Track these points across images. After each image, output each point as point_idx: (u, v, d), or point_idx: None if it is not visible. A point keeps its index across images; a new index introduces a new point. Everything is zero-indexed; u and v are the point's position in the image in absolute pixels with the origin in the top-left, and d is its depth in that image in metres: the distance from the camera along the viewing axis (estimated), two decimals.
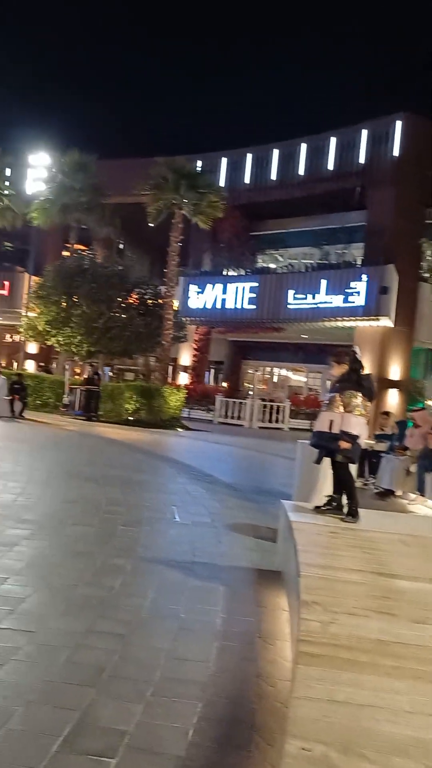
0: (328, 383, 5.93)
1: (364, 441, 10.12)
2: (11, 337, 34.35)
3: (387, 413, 11.91)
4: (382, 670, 2.22)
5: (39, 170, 26.03)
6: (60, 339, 22.12)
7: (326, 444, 5.28)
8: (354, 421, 5.15)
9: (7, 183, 26.97)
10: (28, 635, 3.37)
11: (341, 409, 5.23)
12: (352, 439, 5.15)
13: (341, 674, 2.14)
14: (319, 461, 5.47)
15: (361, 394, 5.24)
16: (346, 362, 5.42)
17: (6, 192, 26.60)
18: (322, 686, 2.03)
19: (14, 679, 2.90)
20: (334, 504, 5.37)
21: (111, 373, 29.87)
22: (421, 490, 8.99)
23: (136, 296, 22.63)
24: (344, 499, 5.33)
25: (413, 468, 9.34)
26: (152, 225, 22.29)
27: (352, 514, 5.16)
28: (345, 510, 5.27)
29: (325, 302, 25.83)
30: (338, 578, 3.29)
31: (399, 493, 9.63)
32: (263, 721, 2.73)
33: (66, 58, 78.03)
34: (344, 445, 5.13)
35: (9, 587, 4.06)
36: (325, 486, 5.79)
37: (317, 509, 5.38)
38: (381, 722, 1.88)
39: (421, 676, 2.21)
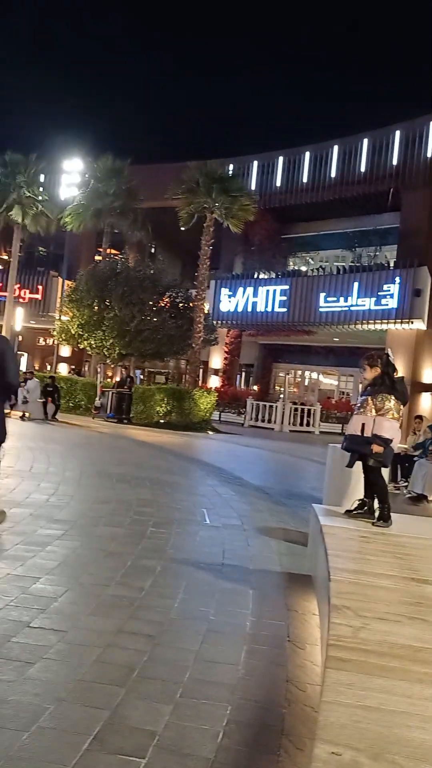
0: (360, 386, 5.78)
1: (397, 445, 10.02)
2: (45, 340, 34.86)
3: (420, 417, 11.76)
4: (414, 677, 2.19)
5: (72, 176, 26.43)
6: (92, 342, 22.35)
7: (358, 448, 5.20)
8: (387, 425, 5.06)
9: (41, 189, 27.38)
10: (59, 634, 3.40)
11: (373, 412, 5.15)
12: (385, 442, 5.06)
13: (372, 680, 2.12)
14: (351, 465, 5.40)
15: (394, 398, 5.16)
16: (378, 365, 5.33)
17: (40, 197, 27.00)
18: (353, 691, 2.01)
19: (46, 677, 2.93)
20: (366, 508, 5.30)
21: (142, 376, 30.08)
22: None
23: (168, 299, 22.76)
24: (375, 503, 5.27)
25: None
26: (184, 229, 22.41)
27: (384, 519, 5.10)
28: (376, 514, 5.20)
29: (357, 305, 25.66)
30: (369, 583, 3.26)
31: (431, 498, 9.50)
32: (292, 725, 2.71)
33: (100, 64, 78.97)
34: (376, 448, 5.06)
35: (41, 586, 4.10)
36: (357, 490, 5.73)
37: (348, 513, 5.33)
38: (412, 729, 1.85)
39: None
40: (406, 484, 10.31)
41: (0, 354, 4.95)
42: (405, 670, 2.22)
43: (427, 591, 3.28)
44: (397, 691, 2.06)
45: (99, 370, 23.62)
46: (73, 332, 22.80)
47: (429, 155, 25.42)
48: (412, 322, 24.51)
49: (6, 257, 33.10)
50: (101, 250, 27.48)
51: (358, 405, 5.37)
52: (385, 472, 6.66)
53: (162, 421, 19.74)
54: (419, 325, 24.58)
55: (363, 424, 5.15)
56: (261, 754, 2.49)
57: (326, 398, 31.09)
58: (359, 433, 5.16)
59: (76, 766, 2.29)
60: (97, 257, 29.26)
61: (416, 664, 2.28)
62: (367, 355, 5.51)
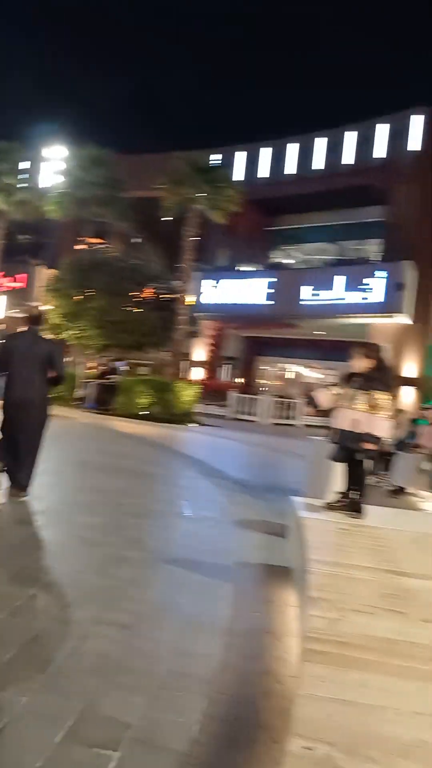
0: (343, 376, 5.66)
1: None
2: None
3: (400, 411, 11.82)
4: (390, 670, 2.18)
5: (56, 163, 26.11)
6: (74, 332, 22.17)
7: (350, 444, 5.11)
8: (382, 424, 5.00)
9: (24, 176, 27.04)
10: (36, 624, 3.36)
11: (365, 407, 5.05)
12: (378, 441, 5.03)
13: (348, 673, 2.10)
14: (339, 459, 5.32)
15: (388, 395, 5.10)
16: (374, 357, 5.21)
17: (23, 185, 26.67)
18: (328, 685, 2.00)
19: (20, 667, 2.89)
20: (345, 501, 5.30)
21: (126, 367, 29.97)
22: None
23: (151, 291, 22.62)
24: (352, 495, 5.25)
25: (426, 466, 9.27)
26: (168, 219, 22.27)
27: (357, 510, 5.09)
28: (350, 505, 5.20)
29: (341, 298, 25.68)
30: (347, 575, 3.25)
31: (411, 490, 9.57)
32: (268, 718, 2.69)
33: (84, 51, 78.14)
34: (369, 446, 5.00)
35: (18, 578, 4.05)
36: (336, 483, 5.74)
37: (328, 506, 5.32)
38: (387, 723, 1.84)
39: (429, 677, 2.16)
40: (386, 475, 10.37)
41: (50, 354, 6.15)
42: (381, 663, 2.21)
43: (404, 583, 3.28)
44: (372, 684, 2.05)
45: (81, 360, 23.44)
46: (55, 322, 22.60)
47: (414, 149, 25.46)
48: (394, 317, 24.59)
49: None
50: (85, 239, 27.24)
51: (346, 396, 5.21)
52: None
53: (144, 412, 19.65)
54: (402, 319, 24.67)
55: (356, 420, 5.03)
56: (236, 748, 2.47)
57: (309, 391, 31.19)
58: (352, 429, 5.03)
59: (49, 759, 2.26)
60: (81, 247, 29.00)
61: (392, 657, 2.27)
62: (365, 344, 5.42)
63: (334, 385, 5.50)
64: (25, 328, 6.38)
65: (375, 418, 4.98)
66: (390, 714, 1.88)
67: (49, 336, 7.56)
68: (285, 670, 3.13)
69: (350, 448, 5.13)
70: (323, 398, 5.42)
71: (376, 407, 5.00)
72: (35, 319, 6.44)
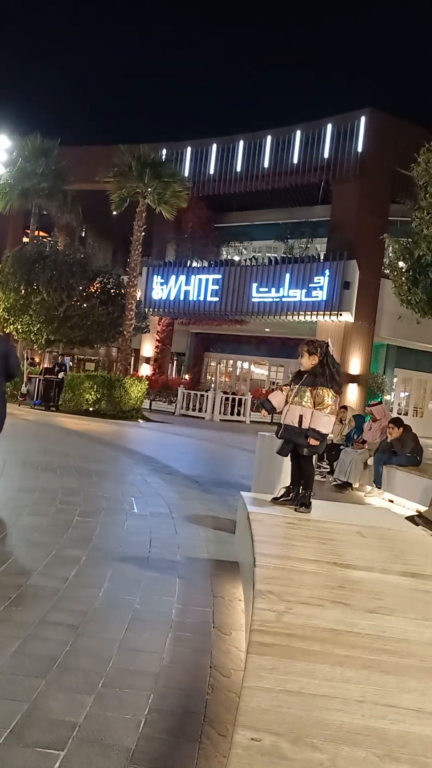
0: (290, 373, 5.72)
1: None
2: None
3: (344, 407, 12.03)
4: (335, 660, 2.22)
5: None
6: (18, 327, 21.73)
7: (294, 438, 5.17)
8: (325, 420, 5.07)
9: None
10: None
11: (310, 403, 5.12)
12: (322, 437, 5.11)
13: (294, 664, 2.13)
14: (285, 453, 5.39)
15: (333, 392, 5.16)
16: (317, 354, 5.22)
17: None
18: (274, 676, 2.02)
19: None
20: (291, 495, 5.36)
21: (71, 363, 29.54)
22: (377, 482, 9.12)
23: (98, 285, 22.35)
24: (300, 490, 5.32)
25: (371, 461, 9.47)
26: (115, 213, 22.04)
27: (306, 505, 5.16)
28: (298, 501, 5.25)
29: (289, 296, 25.98)
30: (294, 568, 3.29)
31: (356, 485, 9.76)
32: (216, 712, 2.71)
33: (30, 39, 76.48)
34: (313, 442, 5.08)
35: None
36: (285, 478, 5.81)
37: (275, 500, 5.38)
38: (332, 712, 1.87)
39: (373, 665, 2.21)
40: (328, 469, 10.55)
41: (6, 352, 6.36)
42: (326, 654, 2.25)
43: (348, 575, 3.35)
44: (318, 674, 2.08)
45: (25, 355, 23.00)
46: None
47: (359, 149, 25.91)
48: (340, 314, 25.02)
49: None
50: (29, 231, 26.70)
51: (293, 393, 5.26)
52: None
53: (91, 409, 19.44)
54: (348, 317, 25.13)
55: (301, 416, 5.10)
56: (183, 742, 2.48)
57: (256, 388, 31.39)
58: (297, 425, 5.11)
59: None
60: (25, 239, 28.41)
61: (337, 647, 2.31)
62: (308, 341, 5.40)
63: (286, 385, 5.50)
64: None
65: (319, 415, 5.05)
66: (335, 703, 1.91)
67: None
68: (233, 663, 3.16)
69: (296, 443, 5.18)
70: (276, 401, 5.42)
71: (320, 404, 5.07)
72: None
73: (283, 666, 2.10)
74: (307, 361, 5.23)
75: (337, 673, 2.11)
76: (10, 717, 2.50)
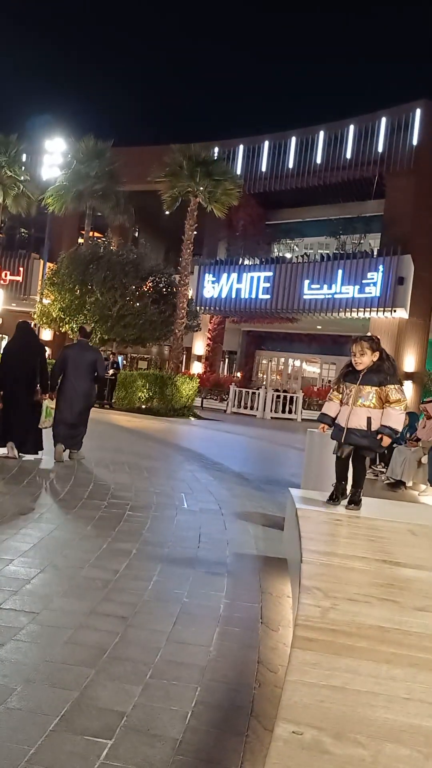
0: (341, 369, 5.27)
1: None
2: None
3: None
4: (381, 657, 2.19)
5: (54, 156, 26.02)
6: (74, 326, 22.16)
7: (360, 441, 4.85)
8: (400, 417, 4.78)
9: (22, 168, 26.98)
10: (30, 615, 3.38)
11: (376, 403, 4.81)
12: (396, 434, 4.83)
13: (338, 660, 2.11)
14: (345, 456, 5.04)
15: (400, 386, 4.86)
16: (379, 350, 4.89)
17: (21, 178, 26.61)
18: (318, 671, 2.01)
19: (15, 659, 2.91)
20: (343, 495, 5.20)
21: (125, 362, 29.94)
22: (431, 481, 8.93)
23: (150, 284, 22.59)
24: (350, 487, 5.18)
25: (424, 459, 9.28)
26: (167, 212, 22.22)
27: (356, 503, 5.01)
28: (348, 498, 5.09)
29: (341, 293, 25.69)
30: (342, 565, 3.27)
31: (410, 484, 9.58)
32: (262, 706, 2.71)
33: (84, 43, 77.82)
34: (387, 440, 4.77)
35: (14, 568, 4.07)
36: (333, 475, 5.76)
37: (329, 500, 5.15)
38: (376, 708, 1.85)
39: (420, 663, 2.18)
40: (383, 470, 10.38)
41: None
42: (372, 651, 2.22)
43: (398, 573, 3.30)
44: (362, 671, 2.06)
45: None
46: (54, 316, 22.59)
47: (414, 142, 25.39)
48: (395, 311, 24.59)
49: None
50: (83, 232, 27.20)
51: (352, 394, 4.88)
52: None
53: (144, 406, 19.68)
54: (402, 313, 24.68)
55: (369, 418, 4.77)
56: (229, 735, 2.49)
57: (308, 386, 31.17)
58: (365, 428, 4.78)
59: (41, 747, 2.28)
60: (80, 240, 28.94)
61: (384, 644, 2.28)
62: (365, 337, 4.97)
63: (335, 387, 5.15)
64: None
65: (392, 412, 4.75)
66: (380, 699, 1.89)
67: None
68: (279, 659, 3.16)
69: (362, 447, 4.90)
70: (333, 411, 5.07)
71: (392, 401, 4.77)
72: (86, 333, 8.98)
73: (327, 661, 2.09)
74: (368, 358, 4.84)
75: (382, 670, 2.09)
76: (60, 704, 2.56)
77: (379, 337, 5.20)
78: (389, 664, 2.14)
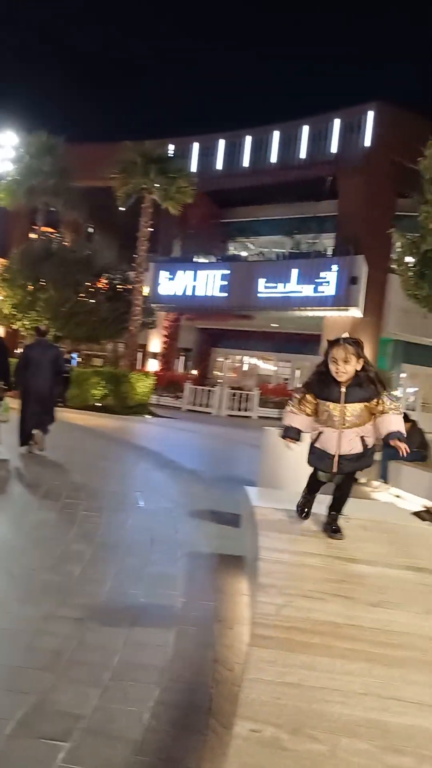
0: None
1: None
2: None
3: None
4: (336, 652, 2.24)
5: (6, 150, 25.50)
6: (26, 323, 21.82)
7: (358, 466, 4.01)
8: (399, 419, 3.86)
9: None
10: None
11: (367, 417, 3.89)
12: (403, 436, 3.84)
13: (294, 657, 2.15)
14: (335, 481, 4.15)
15: (388, 391, 3.97)
16: (363, 356, 3.86)
17: None
18: (275, 668, 2.04)
19: None
20: (308, 509, 4.39)
21: (79, 359, 29.59)
22: (384, 477, 9.11)
23: (105, 281, 22.40)
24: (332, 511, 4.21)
25: (377, 456, 9.46)
26: (121, 209, 22.07)
27: (340, 531, 4.08)
28: (333, 525, 4.12)
29: (296, 291, 25.93)
30: (297, 562, 3.31)
31: (363, 480, 9.75)
32: (219, 705, 2.74)
33: (36, 37, 76.49)
34: (400, 444, 3.76)
35: None
36: (289, 471, 5.83)
37: (303, 516, 4.38)
38: (332, 704, 1.89)
39: (374, 658, 2.23)
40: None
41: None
42: (327, 646, 2.27)
43: (351, 569, 3.36)
44: (318, 666, 2.10)
45: None
46: (6, 312, 22.19)
47: (367, 143, 25.80)
48: (348, 310, 24.96)
49: None
50: (36, 228, 26.77)
51: (337, 414, 3.84)
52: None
53: (98, 404, 19.51)
54: (355, 312, 25.06)
55: (363, 438, 3.84)
56: (188, 734, 2.51)
57: (264, 383, 31.39)
58: (360, 450, 3.87)
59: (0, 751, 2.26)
60: (32, 236, 28.47)
61: (338, 639, 2.33)
62: (351, 340, 3.85)
63: (301, 395, 4.02)
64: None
65: (393, 418, 3.82)
66: (335, 695, 1.93)
67: None
68: (236, 657, 3.19)
69: (354, 471, 4.05)
70: (300, 423, 4.01)
71: (387, 410, 3.86)
72: (41, 332, 9.34)
73: (283, 659, 2.12)
74: (353, 367, 3.79)
75: (337, 665, 2.13)
76: (18, 709, 2.54)
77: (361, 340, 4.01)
78: (344, 660, 2.18)
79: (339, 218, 26.98)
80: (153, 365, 30.19)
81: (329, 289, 25.14)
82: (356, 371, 3.83)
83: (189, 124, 55.11)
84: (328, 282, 25.19)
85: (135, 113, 69.30)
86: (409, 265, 12.14)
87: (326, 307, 25.28)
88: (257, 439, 10.01)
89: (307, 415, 4.00)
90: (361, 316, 25.33)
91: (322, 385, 3.91)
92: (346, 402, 3.83)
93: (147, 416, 19.82)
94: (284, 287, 26.16)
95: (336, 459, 3.91)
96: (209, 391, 25.53)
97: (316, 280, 25.46)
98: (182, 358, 34.39)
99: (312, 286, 25.54)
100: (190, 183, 22.10)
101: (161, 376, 27.62)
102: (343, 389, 3.81)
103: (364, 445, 3.90)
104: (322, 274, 25.36)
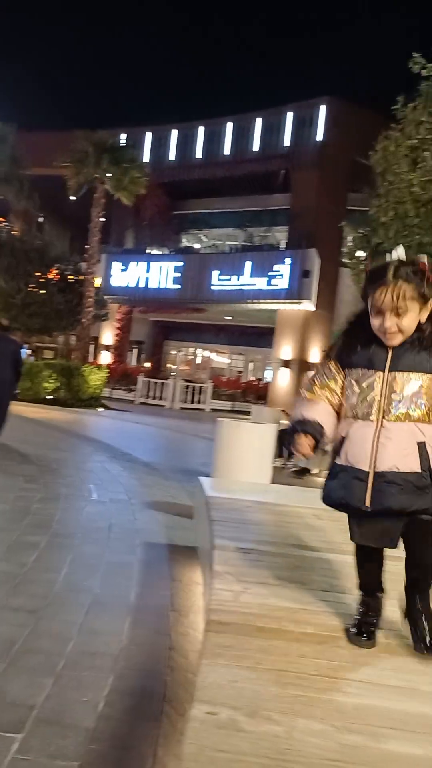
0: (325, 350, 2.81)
1: (282, 421, 10.32)
2: None
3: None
4: (291, 636, 2.27)
5: None
6: None
7: (418, 504, 2.16)
8: None
9: None
10: None
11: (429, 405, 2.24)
12: None
13: (251, 641, 2.17)
14: (393, 545, 2.31)
15: None
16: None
17: None
18: (231, 653, 2.06)
19: None
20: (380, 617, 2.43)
21: (29, 352, 29.10)
22: None
23: (56, 272, 22.05)
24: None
25: (329, 447, 9.60)
26: (73, 199, 21.74)
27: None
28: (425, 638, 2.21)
29: (249, 284, 26.06)
30: (252, 550, 3.34)
31: (315, 471, 9.89)
32: (174, 692, 2.74)
33: None
34: None
35: None
36: (243, 461, 5.87)
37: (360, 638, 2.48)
38: (288, 686, 1.92)
39: (327, 641, 2.27)
40: (292, 459, 10.65)
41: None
42: (283, 631, 2.30)
43: (305, 555, 3.41)
44: (274, 650, 2.13)
45: None
46: None
47: (318, 138, 26.06)
48: (300, 303, 25.23)
49: None
50: None
51: (392, 395, 2.22)
52: (271, 448, 6.75)
53: (50, 397, 19.23)
54: (307, 305, 25.35)
55: (422, 445, 2.19)
56: (142, 721, 2.51)
57: (216, 376, 31.48)
58: (417, 468, 2.16)
59: None
60: None
61: (293, 624, 2.37)
62: (412, 269, 2.18)
63: (318, 382, 2.47)
64: None
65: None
66: (290, 677, 1.96)
67: None
68: (190, 645, 3.20)
69: (409, 511, 2.18)
70: (317, 414, 2.47)
71: None
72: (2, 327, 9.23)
73: (240, 643, 2.14)
74: (412, 321, 2.20)
75: (293, 648, 2.16)
76: None
77: None
78: (299, 643, 2.22)
79: (291, 212, 27.20)
80: (105, 358, 29.92)
81: (282, 282, 25.36)
82: (419, 324, 2.23)
83: (142, 114, 54.56)
84: (281, 275, 25.39)
85: (88, 102, 68.26)
86: (360, 259, 12.32)
87: (279, 300, 25.50)
88: (210, 431, 10.05)
89: (331, 404, 2.45)
90: (314, 309, 25.63)
91: (352, 347, 2.38)
92: (395, 370, 2.23)
93: (100, 409, 19.65)
94: (238, 280, 26.26)
95: (370, 481, 2.24)
96: (162, 384, 25.46)
97: (270, 273, 25.64)
98: (135, 351, 34.19)
99: (265, 279, 25.71)
100: (143, 173, 21.94)
101: (114, 368, 27.41)
102: (391, 351, 2.25)
103: (424, 459, 2.17)
104: (275, 267, 25.55)
